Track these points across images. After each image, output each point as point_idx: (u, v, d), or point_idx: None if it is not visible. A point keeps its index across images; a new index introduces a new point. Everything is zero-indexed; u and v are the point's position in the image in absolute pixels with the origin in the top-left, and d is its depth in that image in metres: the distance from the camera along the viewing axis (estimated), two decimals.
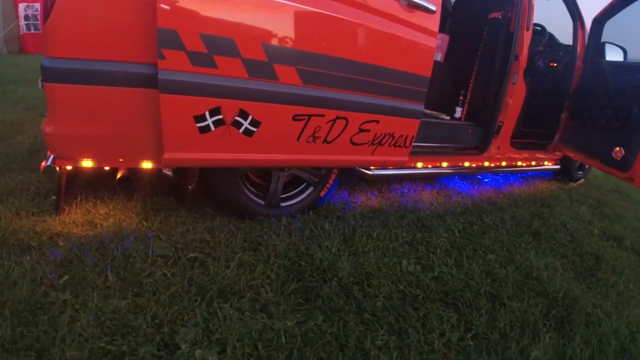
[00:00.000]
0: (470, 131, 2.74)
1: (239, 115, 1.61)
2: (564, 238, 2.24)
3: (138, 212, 1.92)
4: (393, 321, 1.40)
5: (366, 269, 1.66)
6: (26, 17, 10.33)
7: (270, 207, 2.04)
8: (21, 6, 10.33)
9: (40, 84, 1.62)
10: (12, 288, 1.33)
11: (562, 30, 3.22)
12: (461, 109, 2.81)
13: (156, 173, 1.89)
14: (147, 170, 1.79)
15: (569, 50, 2.96)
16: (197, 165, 1.76)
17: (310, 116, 1.75)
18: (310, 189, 2.14)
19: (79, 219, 1.82)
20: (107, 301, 1.33)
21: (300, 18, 1.61)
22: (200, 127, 1.57)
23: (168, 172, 1.88)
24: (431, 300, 1.56)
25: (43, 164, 1.66)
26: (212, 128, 1.59)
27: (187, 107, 1.53)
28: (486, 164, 2.75)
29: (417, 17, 1.86)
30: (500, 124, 2.64)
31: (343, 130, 1.86)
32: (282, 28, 1.59)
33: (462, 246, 1.99)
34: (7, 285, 1.35)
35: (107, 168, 1.98)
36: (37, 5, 10.15)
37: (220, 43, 1.49)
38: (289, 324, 1.32)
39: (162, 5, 1.36)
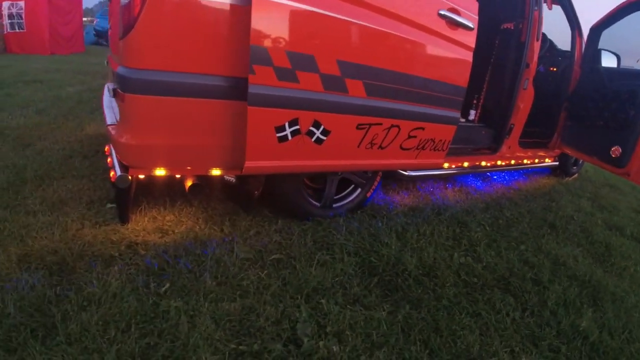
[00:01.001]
0: (484, 132, 3.12)
1: (312, 125, 1.85)
2: (575, 229, 2.67)
3: (204, 218, 2.10)
4: (467, 305, 1.71)
5: (427, 262, 1.97)
6: (10, 16, 9.80)
7: (325, 208, 2.29)
8: (5, 4, 9.81)
9: (111, 93, 1.77)
10: (118, 300, 1.47)
11: (554, 35, 3.72)
12: (475, 111, 3.19)
13: (218, 180, 2.08)
14: (212, 177, 1.98)
15: (567, 55, 3.42)
16: (272, 172, 1.97)
17: (370, 125, 2.02)
18: (359, 191, 2.41)
19: (148, 227, 1.97)
20: (218, 305, 1.52)
21: (369, 36, 1.86)
22: (279, 137, 1.79)
23: (231, 179, 2.07)
24: (488, 287, 1.89)
25: (112, 173, 1.80)
26: (290, 138, 1.82)
27: (270, 118, 1.74)
28: (499, 162, 3.15)
29: (459, 34, 2.18)
30: (512, 125, 3.04)
31: (395, 137, 2.14)
32: (354, 45, 1.84)
33: (496, 239, 2.35)
34: (108, 298, 1.48)
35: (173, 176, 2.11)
36: (22, 4, 9.65)
37: (302, 59, 1.71)
38: (383, 314, 1.59)
39: (256, 24, 1.56)
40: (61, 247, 1.74)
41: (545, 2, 2.97)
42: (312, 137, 1.87)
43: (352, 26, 1.79)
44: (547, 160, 3.58)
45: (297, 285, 1.67)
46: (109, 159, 1.99)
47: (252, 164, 1.79)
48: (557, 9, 3.29)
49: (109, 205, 2.15)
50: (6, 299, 1.42)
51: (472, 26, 2.20)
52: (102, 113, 2.89)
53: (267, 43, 1.61)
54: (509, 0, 3.07)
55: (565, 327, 1.69)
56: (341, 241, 2.02)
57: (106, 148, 2.14)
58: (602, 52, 3.13)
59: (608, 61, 3.14)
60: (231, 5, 1.61)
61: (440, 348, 1.46)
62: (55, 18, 10.99)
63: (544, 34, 3.33)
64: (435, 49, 2.11)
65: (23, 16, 10.25)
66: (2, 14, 9.91)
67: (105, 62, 3.05)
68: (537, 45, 2.90)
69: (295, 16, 1.65)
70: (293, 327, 1.46)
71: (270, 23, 1.60)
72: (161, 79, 1.60)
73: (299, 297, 1.61)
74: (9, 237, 1.81)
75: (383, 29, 1.89)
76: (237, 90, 1.70)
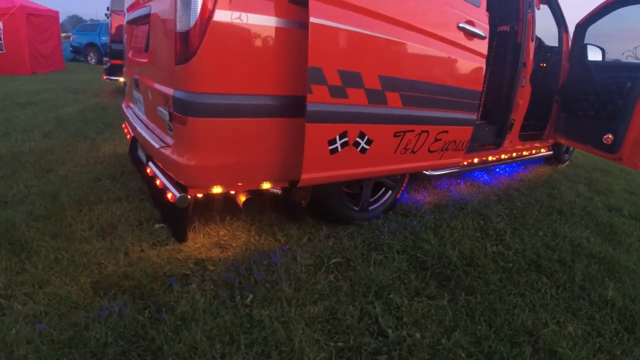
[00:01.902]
0: (487, 129, 3.50)
1: (358, 137, 2.12)
2: (580, 213, 3.09)
3: (255, 230, 2.31)
4: (512, 288, 2.04)
5: (466, 254, 2.28)
6: None
7: (363, 212, 2.57)
8: None
9: (164, 113, 1.95)
10: (210, 316, 1.66)
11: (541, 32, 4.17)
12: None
13: (264, 193, 2.30)
14: (260, 191, 2.20)
15: (555, 51, 3.87)
16: (323, 182, 2.21)
17: (405, 132, 2.31)
18: (389, 193, 2.70)
19: (205, 243, 2.17)
20: (303, 309, 1.75)
21: (404, 51, 2.15)
22: (331, 149, 2.05)
23: (277, 191, 2.30)
24: (523, 270, 2.23)
25: (170, 195, 1.99)
26: (340, 149, 2.08)
27: (324, 133, 2.00)
28: (503, 156, 3.54)
29: (474, 43, 2.52)
30: (513, 121, 3.43)
31: (425, 141, 2.45)
32: (392, 60, 2.13)
33: (517, 227, 2.71)
34: (200, 314, 1.66)
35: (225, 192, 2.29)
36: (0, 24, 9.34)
37: (351, 77, 1.98)
38: (445, 302, 1.89)
39: (313, 46, 1.81)
40: (131, 270, 1.92)
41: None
42: (357, 147, 2.14)
43: (390, 43, 2.08)
44: (542, 150, 4.02)
45: (364, 284, 1.94)
46: (157, 181, 2.17)
47: (307, 176, 2.03)
48: (545, 8, 3.73)
49: (157, 225, 2.32)
50: (99, 328, 1.56)
51: (484, 35, 2.55)
52: (127, 133, 3.04)
53: (322, 63, 1.86)
54: (504, 4, 3.47)
55: (595, 298, 2.05)
56: (387, 241, 2.30)
57: (148, 170, 2.32)
58: (588, 46, 3.59)
59: (594, 55, 3.61)
60: (288, 29, 1.86)
61: (502, 326, 1.77)
62: (34, 36, 11.09)
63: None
64: (457, 58, 2.44)
65: (1, 37, 10.30)
66: None
67: (123, 83, 3.18)
68: (532, 46, 3.31)
69: (346, 37, 1.91)
70: (375, 321, 1.72)
71: (325, 45, 1.85)
72: (222, 102, 1.82)
73: (370, 295, 1.87)
74: (72, 266, 1.95)
75: (415, 44, 2.19)
76: (291, 108, 1.94)
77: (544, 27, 3.92)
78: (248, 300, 1.78)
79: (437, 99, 2.40)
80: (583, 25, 3.56)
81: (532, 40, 3.29)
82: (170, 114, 1.92)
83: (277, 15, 1.84)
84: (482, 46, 2.57)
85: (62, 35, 14.42)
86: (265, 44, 1.85)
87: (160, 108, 2.03)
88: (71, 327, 1.58)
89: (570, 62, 3.70)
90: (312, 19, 1.77)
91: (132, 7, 2.77)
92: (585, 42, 3.59)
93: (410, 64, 2.21)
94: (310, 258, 2.10)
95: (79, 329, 1.57)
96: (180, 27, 1.77)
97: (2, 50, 10.53)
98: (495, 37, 3.48)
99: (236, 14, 1.76)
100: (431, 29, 2.24)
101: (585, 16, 3.53)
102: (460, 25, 2.40)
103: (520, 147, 3.71)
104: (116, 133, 4.03)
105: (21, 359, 1.44)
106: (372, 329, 1.69)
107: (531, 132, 3.81)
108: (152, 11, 2.17)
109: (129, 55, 2.83)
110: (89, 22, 22.96)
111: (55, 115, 4.60)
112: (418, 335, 1.66)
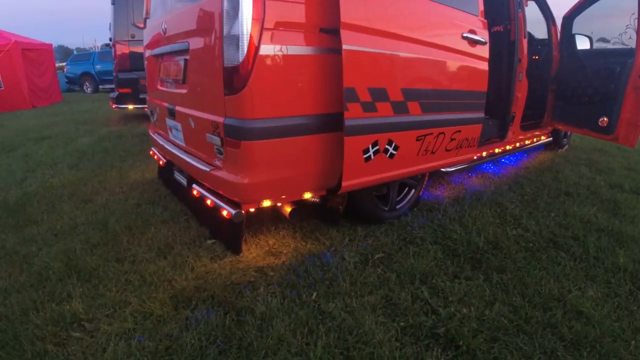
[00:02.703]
0: (491, 123, 3.91)
1: (387, 144, 2.50)
2: (585, 192, 3.52)
3: (300, 236, 2.67)
4: (536, 264, 2.43)
5: (491, 239, 2.67)
6: None
7: (392, 211, 2.94)
8: None
9: (215, 139, 2.29)
10: (284, 313, 2.00)
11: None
12: None
13: (305, 202, 2.66)
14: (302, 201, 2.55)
15: (545, 43, 4.32)
16: (359, 187, 2.57)
17: (425, 135, 2.70)
18: (413, 191, 3.09)
19: (259, 253, 2.52)
20: (362, 299, 2.10)
21: (420, 64, 2.55)
22: (365, 157, 2.42)
23: (315, 199, 2.66)
24: (543, 248, 2.62)
25: (225, 212, 2.34)
26: (372, 157, 2.45)
27: (359, 144, 2.37)
28: (507, 147, 3.96)
29: (477, 49, 2.92)
30: (513, 114, 3.86)
31: (442, 142, 2.84)
32: (411, 74, 2.52)
33: (531, 211, 3.12)
34: (275, 312, 1.99)
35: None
36: None
37: (379, 93, 2.36)
38: (481, 281, 2.27)
39: (347, 69, 2.18)
40: (202, 283, 2.25)
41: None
42: (387, 154, 2.52)
43: (408, 59, 2.47)
44: (542, 137, 4.46)
45: (408, 273, 2.31)
46: (208, 201, 2.51)
47: (347, 183, 2.40)
48: (532, 4, 4.18)
49: (209, 241, 2.66)
50: (192, 335, 1.85)
51: (485, 41, 2.96)
52: (157, 158, 3.37)
53: (355, 84, 2.24)
54: (496, 6, 3.89)
55: (609, 265, 2.45)
56: (419, 234, 2.68)
57: (194, 191, 2.66)
58: (576, 36, 4.05)
59: (582, 44, 4.06)
60: (321, 55, 2.23)
61: (533, 296, 2.15)
62: (30, 70, 11.65)
63: None
64: (464, 65, 2.84)
65: None
66: None
67: (150, 111, 3.51)
68: (525, 42, 3.74)
69: (372, 58, 2.29)
70: (427, 303, 2.09)
71: (356, 67, 2.23)
72: (270, 125, 2.18)
73: (415, 282, 2.24)
74: (144, 285, 2.27)
75: (428, 57, 2.58)
76: (328, 124, 2.31)
77: (533, 21, 4.39)
78: (313, 296, 2.13)
79: (450, 103, 2.79)
80: (570, 17, 4.01)
81: (525, 37, 3.72)
82: (221, 139, 2.27)
83: (310, 44, 2.21)
84: (484, 51, 2.99)
85: (56, 65, 14.92)
86: (304, 70, 2.21)
87: (209, 135, 2.38)
88: (166, 338, 1.86)
89: (560, 53, 4.15)
90: (344, 46, 2.14)
91: (155, 43, 3.11)
92: (573, 32, 4.05)
93: (426, 75, 2.61)
94: (357, 256, 2.46)
95: (173, 339, 1.86)
96: (228, 62, 2.12)
97: (0, 87, 11.00)
98: (490, 38, 3.89)
99: (277, 47, 2.12)
100: (441, 42, 2.64)
101: (572, 8, 3.99)
102: (464, 35, 2.80)
103: (522, 137, 4.14)
104: (139, 160, 4.36)
105: None
106: (426, 309, 2.05)
107: (531, 121, 4.24)
108: (192, 47, 2.51)
109: (157, 86, 3.16)
110: (81, 52, 23.79)
111: (73, 148, 4.90)
112: (465, 310, 2.03)
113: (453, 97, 2.81)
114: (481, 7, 2.99)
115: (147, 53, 3.35)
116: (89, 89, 17.79)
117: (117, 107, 7.32)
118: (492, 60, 3.94)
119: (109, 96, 7.86)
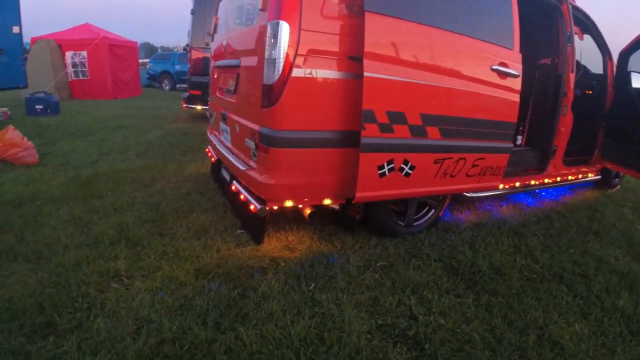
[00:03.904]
0: (531, 154, 4.04)
1: (403, 163, 2.80)
2: (616, 234, 3.53)
3: (317, 237, 3.05)
4: (531, 293, 2.59)
5: (496, 264, 2.86)
6: (73, 65, 12.06)
7: (408, 227, 3.23)
8: (68, 54, 12.11)
9: (251, 144, 2.72)
10: (282, 296, 2.39)
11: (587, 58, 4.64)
12: (521, 137, 4.12)
13: (325, 208, 3.03)
14: (322, 206, 2.93)
15: (600, 79, 4.34)
16: (373, 200, 2.91)
17: (444, 159, 2.96)
18: (432, 211, 3.35)
19: (277, 246, 2.94)
20: (352, 297, 2.42)
21: (441, 93, 2.82)
22: (379, 173, 2.74)
23: (335, 206, 3.02)
24: (546, 280, 2.77)
25: (252, 207, 2.76)
26: (387, 173, 2.77)
27: (374, 160, 2.70)
28: (546, 180, 4.05)
29: (508, 81, 3.13)
30: (555, 147, 3.94)
31: (462, 167, 3.08)
32: (431, 101, 2.80)
33: (549, 245, 3.24)
34: (275, 294, 2.38)
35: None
36: (84, 53, 11.80)
37: (397, 116, 2.68)
38: (470, 300, 2.49)
39: (366, 93, 2.52)
40: (223, 262, 2.71)
41: (576, 34, 3.91)
42: (402, 172, 2.82)
43: (428, 87, 2.76)
44: (589, 174, 4.46)
45: (403, 282, 2.59)
46: (242, 196, 2.97)
47: (361, 194, 2.73)
48: (588, 38, 4.24)
49: (239, 231, 3.13)
50: (203, 300, 2.32)
51: (517, 74, 3.15)
52: (210, 156, 3.92)
53: (373, 107, 2.58)
54: (545, 38, 4.03)
55: (607, 305, 2.55)
56: (426, 251, 2.95)
57: (233, 187, 3.13)
58: (632, 74, 4.04)
59: (638, 82, 4.04)
60: (347, 80, 2.60)
61: (515, 320, 2.34)
62: (115, 65, 13.54)
63: (577, 61, 4.27)
64: (490, 95, 3.06)
65: (86, 65, 12.67)
66: (66, 64, 11.95)
67: (209, 114, 4.09)
68: (572, 76, 3.83)
69: (392, 85, 2.62)
70: (409, 309, 2.37)
71: (376, 92, 2.57)
72: (296, 137, 2.59)
73: (407, 290, 2.53)
74: (177, 257, 2.78)
75: (451, 87, 2.85)
76: (348, 140, 2.66)
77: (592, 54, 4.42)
78: (311, 287, 2.50)
79: (472, 130, 3.03)
80: (626, 53, 4.03)
81: (572, 72, 3.81)
82: (256, 144, 2.72)
83: (339, 70, 2.60)
84: (516, 83, 3.17)
85: (140, 61, 17.01)
86: (330, 92, 2.61)
87: (247, 139, 2.84)
88: (182, 298, 2.35)
89: (615, 89, 4.15)
90: (365, 74, 2.50)
91: (219, 56, 3.67)
92: (629, 69, 4.04)
93: (447, 102, 2.88)
94: (361, 261, 2.79)
95: (187, 299, 2.34)
96: (266, 80, 2.56)
97: (87, 77, 12.82)
98: (537, 69, 4.03)
99: (308, 70, 2.53)
100: (465, 72, 2.90)
101: (628, 44, 4.00)
102: (494, 67, 3.03)
103: (565, 171, 4.19)
104: (197, 155, 5.03)
105: (145, 316, 2.21)
106: (406, 313, 2.34)
107: (576, 157, 4.27)
108: (242, 64, 3.01)
109: (217, 93, 3.72)
110: (163, 52, 26.82)
111: (144, 139, 5.74)
112: (442, 321, 2.28)
113: (476, 125, 3.03)
114: (517, 41, 3.17)
115: (212, 63, 3.93)
116: (167, 87, 19.93)
117: (187, 107, 8.25)
118: (538, 92, 4.10)
119: (182, 96, 8.82)
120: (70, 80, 12.83)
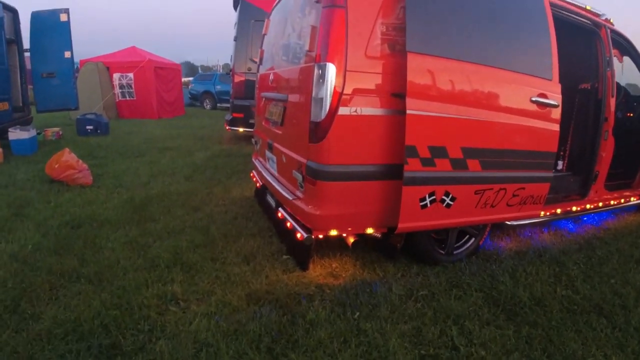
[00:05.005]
0: (572, 180, 4.11)
1: (444, 195, 2.96)
2: None
3: (360, 264, 3.24)
4: (571, 325, 2.70)
5: (536, 295, 2.98)
6: (120, 86, 13.01)
7: (448, 255, 3.38)
8: (115, 76, 13.09)
9: (298, 175, 2.93)
10: (328, 324, 2.59)
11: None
12: (562, 162, 4.20)
13: (368, 236, 3.21)
14: (365, 235, 3.12)
15: None
16: (415, 230, 3.08)
17: (484, 190, 3.10)
18: (473, 240, 3.49)
19: (322, 273, 3.15)
20: (396, 326, 2.60)
21: (482, 126, 2.97)
22: (421, 205, 2.91)
23: (377, 235, 3.20)
24: (586, 312, 2.86)
25: (299, 235, 2.97)
26: (429, 205, 2.93)
27: (417, 193, 2.87)
28: (588, 206, 4.10)
29: (547, 112, 3.25)
30: (597, 172, 4.01)
31: (503, 197, 3.21)
32: (472, 135, 2.95)
33: (590, 275, 3.32)
34: (322, 322, 2.58)
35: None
36: (131, 75, 12.73)
37: (438, 150, 2.85)
38: (510, 332, 2.62)
39: (409, 129, 2.70)
40: (272, 288, 2.93)
41: (615, 57, 3.97)
42: (443, 204, 2.98)
43: (469, 122, 2.93)
44: (632, 198, 4.48)
45: (444, 312, 2.75)
46: (288, 224, 3.19)
47: (403, 225, 2.91)
48: (628, 60, 4.29)
49: (285, 256, 3.36)
50: (255, 325, 2.54)
51: (557, 104, 3.27)
52: (255, 181, 4.17)
53: (415, 142, 2.76)
54: (584, 63, 4.10)
55: None
56: (467, 280, 3.09)
57: (279, 214, 3.36)
58: None
59: None
60: (390, 116, 2.79)
61: (554, 352, 2.47)
62: (160, 86, 14.51)
63: (618, 84, 4.31)
64: (530, 126, 3.19)
65: (133, 86, 13.76)
66: (113, 85, 12.89)
67: (254, 141, 4.37)
68: (612, 101, 3.89)
69: (433, 121, 2.80)
70: (451, 340, 2.52)
71: (418, 128, 2.75)
72: (342, 170, 2.80)
73: (448, 321, 2.68)
74: (228, 282, 3.03)
75: (491, 120, 3.00)
76: (391, 173, 2.85)
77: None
78: (356, 315, 2.69)
79: (512, 161, 3.16)
80: None
81: (613, 96, 3.87)
82: (303, 176, 2.95)
83: (382, 107, 2.80)
84: (555, 113, 3.29)
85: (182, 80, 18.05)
86: (374, 128, 2.81)
87: (294, 171, 3.07)
88: (236, 323, 2.58)
89: None
90: (408, 111, 2.69)
91: (265, 87, 3.93)
92: None
93: (487, 135, 3.03)
94: (403, 289, 2.96)
95: (241, 324, 2.56)
96: (314, 118, 2.79)
97: (133, 97, 13.84)
98: (577, 94, 4.11)
99: (354, 108, 2.75)
100: (505, 105, 3.05)
101: None
102: (533, 99, 3.16)
103: (608, 196, 4.24)
104: (242, 178, 5.37)
105: (203, 340, 2.44)
106: (448, 344, 2.49)
107: (619, 181, 4.30)
108: (289, 99, 3.25)
109: (263, 122, 3.98)
110: (205, 73, 28.82)
111: (190, 161, 6.12)
112: (483, 352, 2.43)
113: (516, 156, 3.16)
114: (556, 72, 3.28)
115: (259, 93, 4.20)
116: (208, 106, 21.14)
117: (229, 129, 8.70)
118: (578, 117, 4.17)
119: (224, 118, 9.28)
120: (117, 100, 13.84)
